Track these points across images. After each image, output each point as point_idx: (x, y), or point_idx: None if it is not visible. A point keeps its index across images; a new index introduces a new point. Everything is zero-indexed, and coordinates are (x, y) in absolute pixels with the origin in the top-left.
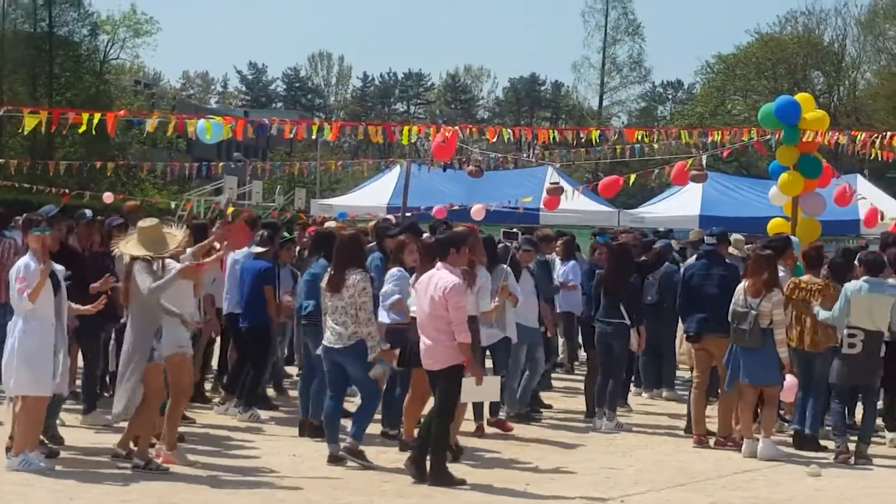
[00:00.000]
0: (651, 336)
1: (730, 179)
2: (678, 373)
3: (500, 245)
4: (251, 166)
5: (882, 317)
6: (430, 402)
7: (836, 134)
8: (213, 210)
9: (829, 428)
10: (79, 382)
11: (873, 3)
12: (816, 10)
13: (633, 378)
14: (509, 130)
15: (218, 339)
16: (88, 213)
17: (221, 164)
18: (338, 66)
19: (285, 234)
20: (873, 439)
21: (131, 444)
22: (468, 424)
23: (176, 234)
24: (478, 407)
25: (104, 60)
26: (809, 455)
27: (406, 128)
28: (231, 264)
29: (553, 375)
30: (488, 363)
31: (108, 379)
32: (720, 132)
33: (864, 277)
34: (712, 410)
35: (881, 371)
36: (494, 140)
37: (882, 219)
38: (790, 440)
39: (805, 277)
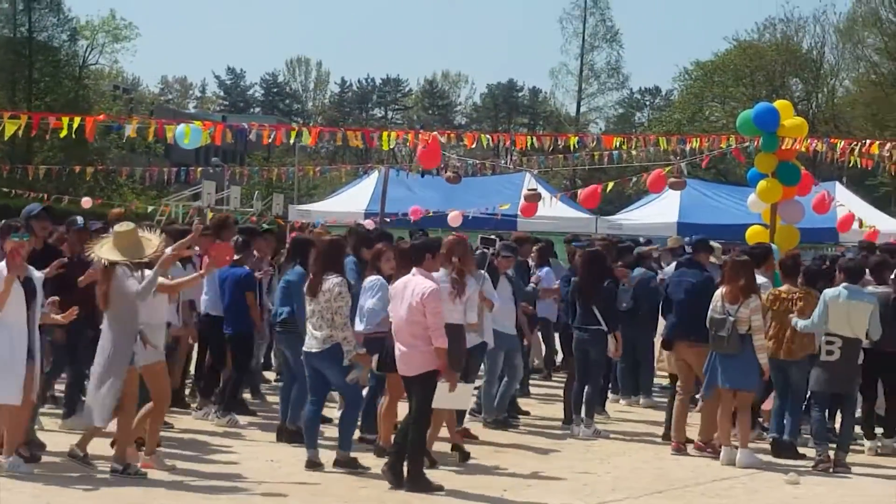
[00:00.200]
0: (627, 342)
1: (708, 186)
2: (655, 380)
3: (478, 251)
4: (229, 171)
5: (860, 324)
6: (405, 407)
7: (815, 141)
8: (190, 215)
9: (808, 436)
10: (59, 387)
11: (852, 11)
12: (795, 17)
13: (609, 385)
14: (488, 136)
15: (196, 344)
16: (80, 220)
17: (200, 169)
18: (316, 72)
19: (264, 225)
20: (852, 447)
21: (86, 447)
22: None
23: (151, 239)
24: (460, 413)
25: (83, 65)
26: (788, 463)
27: (385, 134)
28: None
29: (530, 382)
30: None
31: (86, 383)
32: (699, 139)
33: (843, 284)
34: (691, 419)
35: (860, 379)
36: (473, 146)
37: (860, 226)
38: (769, 448)
39: (784, 287)
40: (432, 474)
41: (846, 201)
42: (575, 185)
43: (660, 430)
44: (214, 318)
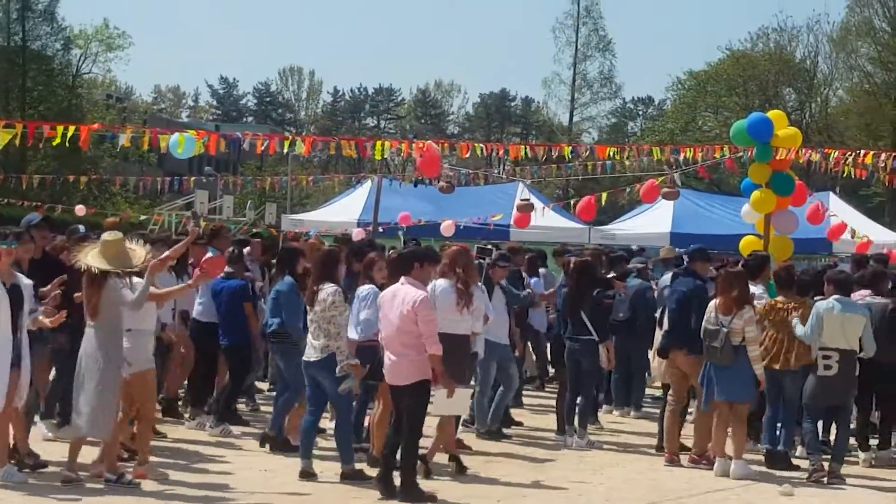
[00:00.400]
0: (622, 353)
1: (701, 196)
2: (648, 391)
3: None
4: (222, 181)
5: (855, 334)
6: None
7: (809, 151)
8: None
9: (802, 447)
10: None
11: (845, 21)
12: (788, 26)
13: (601, 395)
14: (481, 146)
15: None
16: (82, 228)
17: (193, 178)
18: (308, 81)
19: (254, 230)
20: (846, 459)
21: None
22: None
23: (136, 250)
24: (457, 420)
25: (77, 74)
26: (782, 474)
27: (379, 143)
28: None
29: (524, 392)
30: None
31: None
32: (692, 149)
33: (835, 296)
34: (686, 430)
35: (856, 390)
36: (468, 156)
37: (853, 236)
38: (763, 459)
39: (780, 298)
40: (426, 484)
41: (840, 212)
42: (568, 195)
43: (653, 442)
44: (206, 325)
